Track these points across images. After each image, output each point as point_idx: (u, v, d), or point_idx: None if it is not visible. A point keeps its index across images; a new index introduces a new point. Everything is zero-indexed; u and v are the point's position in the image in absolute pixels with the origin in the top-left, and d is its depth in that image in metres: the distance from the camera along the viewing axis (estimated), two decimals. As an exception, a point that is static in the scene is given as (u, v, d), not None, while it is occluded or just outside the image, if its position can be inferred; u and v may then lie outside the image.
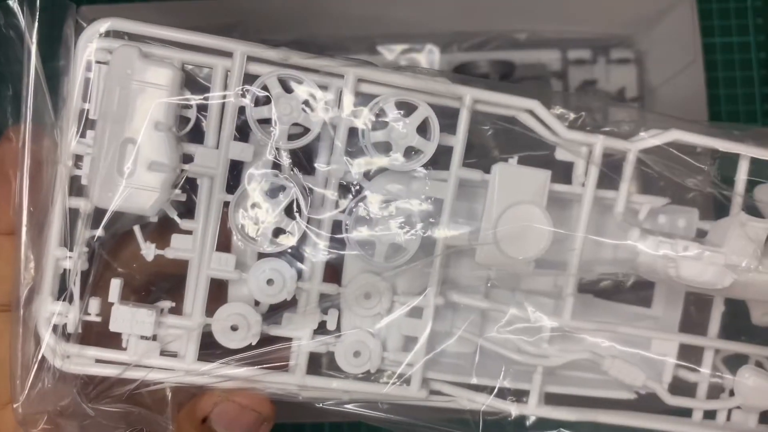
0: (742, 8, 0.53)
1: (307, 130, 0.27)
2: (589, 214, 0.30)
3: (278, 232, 0.27)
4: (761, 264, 0.28)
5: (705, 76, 0.49)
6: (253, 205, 0.27)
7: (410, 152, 0.28)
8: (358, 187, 0.28)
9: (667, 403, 0.31)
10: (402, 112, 0.28)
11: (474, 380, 0.30)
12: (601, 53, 0.52)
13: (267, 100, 0.27)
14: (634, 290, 0.34)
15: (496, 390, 0.30)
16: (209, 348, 0.29)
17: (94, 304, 0.28)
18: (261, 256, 0.28)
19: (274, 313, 0.29)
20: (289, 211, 0.27)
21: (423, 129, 0.28)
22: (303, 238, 0.28)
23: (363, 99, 0.28)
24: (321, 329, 0.29)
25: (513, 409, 0.30)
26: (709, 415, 0.32)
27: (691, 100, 0.49)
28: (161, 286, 0.31)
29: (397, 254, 0.28)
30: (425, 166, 0.28)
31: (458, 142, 0.29)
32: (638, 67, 0.52)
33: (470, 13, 0.51)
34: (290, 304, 0.29)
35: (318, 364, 0.30)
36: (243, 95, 0.27)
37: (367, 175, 0.28)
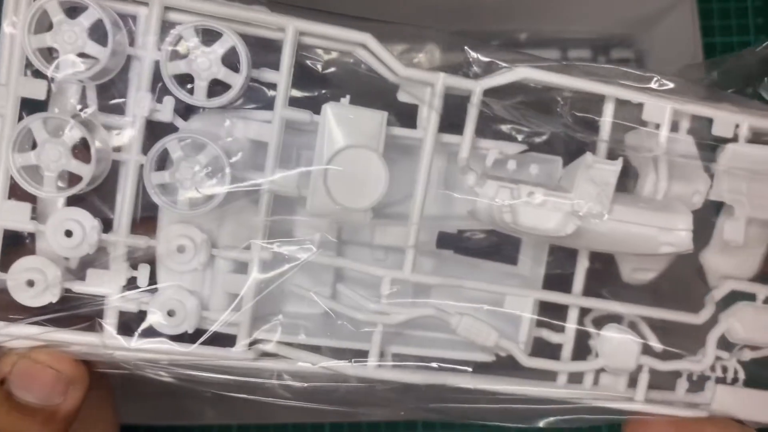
0: (742, 8, 0.52)
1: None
2: (434, 162, 0.27)
3: (70, 175, 0.25)
4: (611, 210, 0.26)
5: (705, 77, 0.48)
6: (35, 146, 0.24)
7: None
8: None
9: (523, 364, 0.29)
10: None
11: (302, 340, 0.27)
12: (601, 53, 0.51)
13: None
14: (503, 246, 0.32)
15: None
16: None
17: None
18: (70, 204, 0.26)
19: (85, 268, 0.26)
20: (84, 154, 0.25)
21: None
22: (107, 185, 0.25)
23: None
24: (133, 286, 0.26)
25: (350, 371, 0.27)
26: (576, 378, 0.30)
27: (691, 101, 0.49)
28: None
29: (207, 201, 0.25)
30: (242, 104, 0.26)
31: (282, 78, 0.26)
32: (638, 67, 0.50)
33: (470, 13, 0.49)
34: (101, 259, 0.26)
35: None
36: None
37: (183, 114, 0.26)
